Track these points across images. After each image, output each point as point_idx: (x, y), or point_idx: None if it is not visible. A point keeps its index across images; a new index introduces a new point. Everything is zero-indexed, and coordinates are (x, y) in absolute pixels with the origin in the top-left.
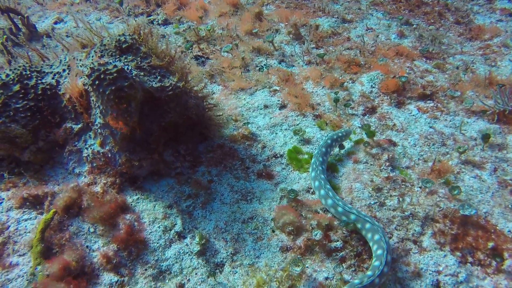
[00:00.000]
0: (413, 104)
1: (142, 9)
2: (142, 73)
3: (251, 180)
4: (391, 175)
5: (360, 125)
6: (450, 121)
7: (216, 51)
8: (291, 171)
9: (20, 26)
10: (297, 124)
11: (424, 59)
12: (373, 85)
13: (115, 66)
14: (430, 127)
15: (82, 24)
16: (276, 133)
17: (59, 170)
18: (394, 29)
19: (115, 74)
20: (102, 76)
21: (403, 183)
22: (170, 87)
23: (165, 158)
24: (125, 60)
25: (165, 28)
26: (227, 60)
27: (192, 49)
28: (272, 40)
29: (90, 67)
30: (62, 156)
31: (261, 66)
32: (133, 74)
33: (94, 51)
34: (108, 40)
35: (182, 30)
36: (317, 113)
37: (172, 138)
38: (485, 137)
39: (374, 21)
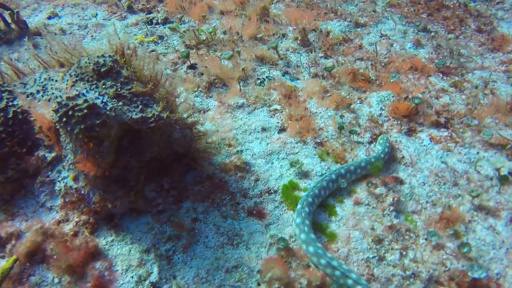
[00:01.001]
0: (426, 132)
1: (142, 4)
2: (121, 103)
3: (240, 218)
4: (394, 223)
5: (365, 156)
6: (464, 154)
7: (216, 59)
8: (285, 210)
9: (9, 21)
10: (296, 153)
11: (441, 74)
12: (383, 107)
13: (85, 100)
14: (442, 162)
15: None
16: (272, 163)
17: (30, 201)
18: (411, 36)
19: (85, 111)
20: (70, 113)
21: (407, 233)
22: (153, 119)
23: (145, 194)
24: (103, 86)
25: (164, 27)
26: (226, 70)
27: (189, 57)
28: (276, 46)
29: (57, 102)
30: (34, 187)
31: (263, 78)
32: (108, 108)
33: (70, 74)
34: (85, 62)
35: (182, 31)
36: (319, 140)
37: (155, 171)
38: (503, 178)
39: (389, 26)
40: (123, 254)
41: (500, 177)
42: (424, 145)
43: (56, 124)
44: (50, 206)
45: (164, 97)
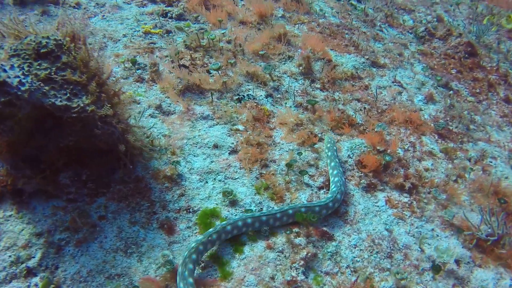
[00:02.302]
0: (385, 192)
1: None
2: (48, 87)
3: (150, 228)
4: (297, 279)
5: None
6: (416, 227)
7: (207, 65)
8: (196, 233)
9: None
10: (235, 178)
11: (436, 136)
12: (351, 155)
13: None
14: (387, 229)
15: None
16: (206, 182)
17: None
18: (426, 89)
19: None
20: None
21: None
22: (76, 109)
23: (60, 179)
24: (38, 67)
25: (177, 23)
26: (207, 79)
27: (178, 56)
28: (271, 72)
29: None
30: None
31: (243, 96)
32: (24, 89)
33: (10, 48)
34: (29, 40)
35: (190, 30)
36: (264, 172)
37: (77, 160)
38: (436, 268)
39: (408, 74)
40: (13, 231)
41: (432, 266)
42: (377, 206)
43: None
44: None
45: (97, 91)
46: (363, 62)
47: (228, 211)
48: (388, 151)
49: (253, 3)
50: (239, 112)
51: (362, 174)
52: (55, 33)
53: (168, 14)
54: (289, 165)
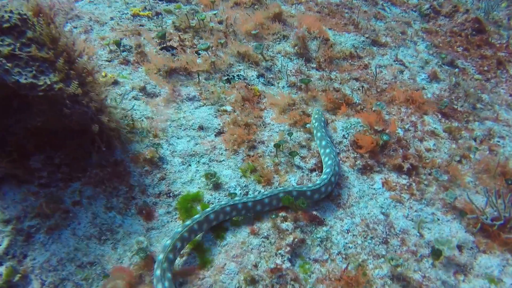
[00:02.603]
0: (382, 174)
1: None
2: (11, 64)
3: (128, 214)
4: (282, 266)
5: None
6: (415, 211)
7: (196, 46)
8: (175, 219)
9: None
10: (221, 161)
11: (439, 115)
12: (346, 135)
13: None
14: (383, 212)
15: None
16: (189, 165)
17: None
18: (430, 68)
19: None
20: None
21: (291, 282)
22: (43, 87)
23: (31, 163)
24: (0, 43)
25: (167, 5)
26: (194, 60)
27: (165, 38)
28: (262, 52)
29: None
30: None
31: (233, 76)
32: None
33: None
34: None
35: (179, 12)
36: (252, 153)
37: (49, 143)
38: (436, 253)
39: (410, 52)
40: None
41: (432, 251)
42: (373, 189)
43: None
44: None
45: (66, 68)
46: (363, 41)
47: (211, 195)
48: (387, 131)
49: None
50: (228, 93)
51: (357, 155)
52: (20, 7)
53: None
54: (277, 146)
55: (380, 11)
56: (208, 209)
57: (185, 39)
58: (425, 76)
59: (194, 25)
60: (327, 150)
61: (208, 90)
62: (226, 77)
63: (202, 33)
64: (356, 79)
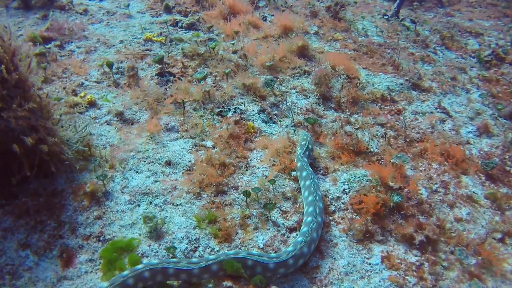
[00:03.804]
0: (385, 246)
1: (186, 7)
2: None
3: (47, 256)
4: None
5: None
6: None
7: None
8: (96, 270)
9: None
10: (177, 205)
11: (484, 177)
12: (347, 191)
13: None
14: None
15: None
16: (138, 206)
17: None
18: (480, 119)
19: None
20: None
21: None
22: None
23: None
24: None
25: (186, 32)
26: (188, 88)
27: (162, 63)
28: (273, 87)
29: None
30: None
31: (228, 109)
32: None
33: None
34: None
35: (195, 40)
36: (217, 200)
37: None
38: None
39: (460, 100)
40: None
41: None
42: (369, 264)
43: None
44: None
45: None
46: (401, 84)
47: (149, 246)
48: (405, 190)
49: (280, 19)
50: (214, 127)
51: (355, 216)
52: None
53: (179, 24)
54: (247, 194)
55: (430, 54)
56: (125, 272)
57: (189, 66)
58: (473, 128)
59: (202, 52)
60: (307, 182)
61: (192, 122)
62: (219, 109)
63: (210, 62)
64: (382, 125)
